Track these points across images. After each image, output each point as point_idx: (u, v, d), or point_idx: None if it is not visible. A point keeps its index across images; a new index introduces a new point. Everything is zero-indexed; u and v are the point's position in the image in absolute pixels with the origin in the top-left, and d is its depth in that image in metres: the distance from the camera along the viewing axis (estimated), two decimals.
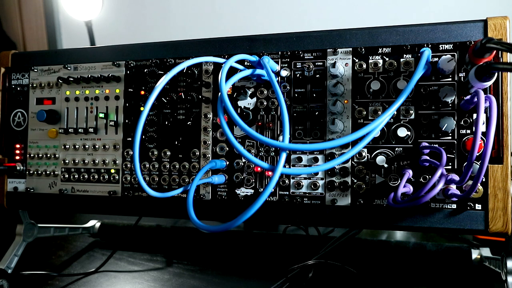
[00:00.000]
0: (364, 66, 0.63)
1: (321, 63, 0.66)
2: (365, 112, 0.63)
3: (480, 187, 0.58)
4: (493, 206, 0.58)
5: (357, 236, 0.86)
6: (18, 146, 0.83)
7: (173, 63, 0.73)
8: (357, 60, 0.64)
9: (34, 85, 0.82)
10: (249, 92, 0.69)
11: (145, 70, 0.74)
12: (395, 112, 0.62)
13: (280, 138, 0.67)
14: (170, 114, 0.73)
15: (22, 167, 0.82)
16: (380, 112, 0.62)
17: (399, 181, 0.61)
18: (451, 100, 0.59)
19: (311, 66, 0.66)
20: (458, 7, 1.41)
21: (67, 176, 0.79)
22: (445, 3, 1.43)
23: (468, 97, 0.56)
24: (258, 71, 0.63)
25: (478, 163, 0.57)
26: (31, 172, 0.81)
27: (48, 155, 0.81)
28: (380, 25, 0.65)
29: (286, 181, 0.67)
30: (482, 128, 0.57)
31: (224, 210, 0.70)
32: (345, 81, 0.65)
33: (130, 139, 0.76)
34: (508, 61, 0.58)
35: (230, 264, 0.88)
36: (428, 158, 0.59)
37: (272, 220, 0.68)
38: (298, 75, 0.67)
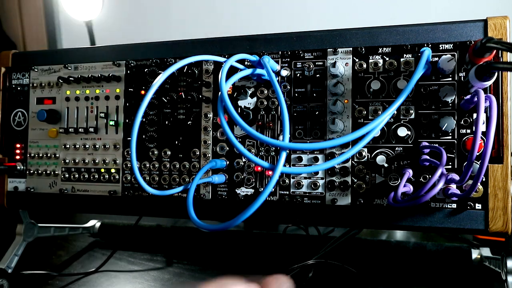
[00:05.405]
0: (364, 65, 0.63)
1: (321, 63, 0.66)
2: (365, 112, 0.63)
3: (480, 187, 0.58)
4: (493, 206, 0.58)
5: (357, 236, 0.86)
6: (18, 145, 0.83)
7: (173, 62, 0.73)
8: (357, 60, 0.64)
9: (34, 84, 0.82)
10: (249, 92, 0.69)
11: (146, 70, 0.74)
12: (395, 112, 0.62)
13: (280, 137, 0.67)
14: (170, 114, 0.74)
15: (22, 167, 0.82)
16: (380, 112, 0.62)
17: (399, 181, 0.61)
18: (451, 100, 0.59)
19: (311, 66, 0.66)
20: (458, 7, 1.41)
21: (67, 175, 0.79)
22: (445, 3, 1.43)
23: (468, 96, 0.56)
24: (259, 71, 0.63)
25: (478, 163, 0.57)
26: (31, 171, 0.81)
27: (49, 155, 0.81)
28: (380, 25, 0.65)
29: (286, 181, 0.67)
30: (482, 127, 0.57)
31: (224, 210, 0.70)
32: (345, 80, 0.65)
33: (130, 138, 0.76)
34: (508, 61, 0.58)
35: (230, 264, 0.88)
36: (428, 157, 0.59)
37: (272, 219, 0.68)
38: (298, 75, 0.67)
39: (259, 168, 0.68)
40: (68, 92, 0.80)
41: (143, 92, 0.75)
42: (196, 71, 0.72)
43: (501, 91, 0.58)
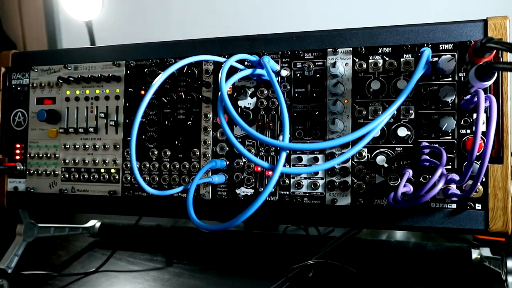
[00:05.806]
0: (364, 66, 0.63)
1: (321, 63, 0.66)
2: (365, 112, 0.63)
3: (480, 187, 0.58)
4: (493, 206, 0.58)
5: (357, 236, 0.85)
6: (18, 145, 0.83)
7: (173, 62, 0.73)
8: (357, 60, 0.64)
9: (34, 85, 0.82)
10: (249, 92, 0.69)
11: (145, 70, 0.74)
12: (395, 112, 0.62)
13: (280, 137, 0.67)
14: (170, 114, 0.73)
15: (22, 167, 0.82)
16: (380, 112, 0.62)
17: (399, 181, 0.61)
18: (451, 100, 0.59)
19: (311, 66, 0.66)
20: (458, 7, 1.41)
21: (67, 176, 0.79)
22: (445, 3, 1.43)
23: (468, 96, 0.56)
24: (258, 71, 0.63)
25: (478, 163, 0.57)
26: (31, 172, 0.81)
27: (48, 155, 0.81)
28: (380, 25, 0.65)
29: (286, 181, 0.67)
30: (482, 127, 0.57)
31: (224, 210, 0.70)
32: (345, 81, 0.65)
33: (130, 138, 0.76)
34: (508, 61, 0.58)
35: (230, 264, 0.88)
36: (428, 157, 0.59)
37: (272, 220, 0.68)
38: (298, 75, 0.67)
39: (259, 168, 0.68)
40: (68, 92, 0.80)
41: (143, 92, 0.75)
42: (196, 71, 0.72)
43: (501, 91, 0.58)
